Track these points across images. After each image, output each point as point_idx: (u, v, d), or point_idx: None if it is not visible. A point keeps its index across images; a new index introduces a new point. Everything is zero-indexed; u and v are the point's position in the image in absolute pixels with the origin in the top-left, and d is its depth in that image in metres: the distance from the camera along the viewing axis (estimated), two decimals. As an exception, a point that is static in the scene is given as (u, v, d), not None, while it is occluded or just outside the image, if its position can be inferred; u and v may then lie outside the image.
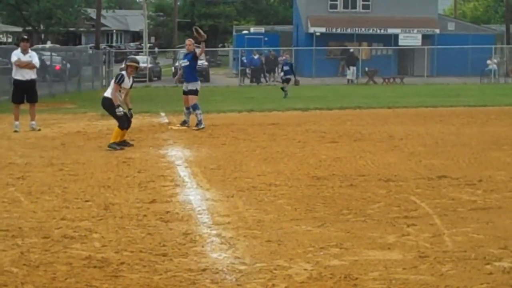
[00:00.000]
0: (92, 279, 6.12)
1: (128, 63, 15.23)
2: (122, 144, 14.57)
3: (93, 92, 36.70)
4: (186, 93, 18.39)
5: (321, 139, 15.93)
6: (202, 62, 49.81)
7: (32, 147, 14.74)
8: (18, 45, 19.10)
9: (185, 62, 18.65)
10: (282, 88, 32.36)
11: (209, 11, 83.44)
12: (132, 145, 14.82)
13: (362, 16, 56.09)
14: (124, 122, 14.77)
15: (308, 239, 7.35)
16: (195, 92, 18.23)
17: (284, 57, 35.77)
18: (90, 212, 8.68)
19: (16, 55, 17.95)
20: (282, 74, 33.85)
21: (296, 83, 32.70)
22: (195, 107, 18.04)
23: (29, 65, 17.82)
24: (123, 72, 15.06)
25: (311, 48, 52.72)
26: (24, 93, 17.94)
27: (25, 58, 17.85)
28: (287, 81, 32.55)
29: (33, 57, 18.01)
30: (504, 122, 19.70)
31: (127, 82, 14.97)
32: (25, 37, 19.26)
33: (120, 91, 14.81)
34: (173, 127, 18.55)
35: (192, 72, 18.49)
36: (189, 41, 18.84)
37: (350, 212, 8.62)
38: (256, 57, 49.38)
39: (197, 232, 7.69)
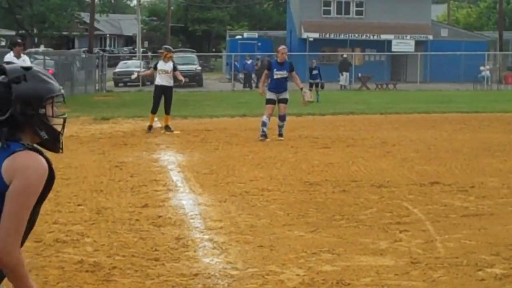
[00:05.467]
0: (84, 284, 6.12)
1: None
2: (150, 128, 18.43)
3: (86, 96, 36.64)
4: (279, 101, 16.94)
5: (313, 144, 15.93)
6: (195, 66, 49.87)
7: (24, 151, 14.68)
8: (11, 49, 18.92)
9: (283, 74, 16.75)
10: (316, 92, 32.84)
11: (203, 16, 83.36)
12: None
13: (356, 22, 56.16)
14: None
15: (301, 244, 7.35)
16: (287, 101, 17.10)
17: (313, 63, 36.06)
18: (82, 216, 8.67)
19: (9, 59, 17.87)
20: (310, 78, 34.53)
21: (322, 86, 33.54)
22: (285, 117, 17.13)
23: None
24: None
25: (304, 54, 52.72)
26: None
27: (18, 62, 17.74)
28: (316, 85, 33.37)
29: (26, 61, 17.94)
30: (497, 128, 19.72)
31: (162, 65, 19.29)
32: (19, 41, 19.14)
33: (160, 73, 19.22)
34: (166, 132, 18.57)
35: (286, 82, 17.03)
36: (284, 49, 17.29)
37: (342, 217, 8.62)
38: (249, 62, 49.36)
39: (189, 237, 7.68)
